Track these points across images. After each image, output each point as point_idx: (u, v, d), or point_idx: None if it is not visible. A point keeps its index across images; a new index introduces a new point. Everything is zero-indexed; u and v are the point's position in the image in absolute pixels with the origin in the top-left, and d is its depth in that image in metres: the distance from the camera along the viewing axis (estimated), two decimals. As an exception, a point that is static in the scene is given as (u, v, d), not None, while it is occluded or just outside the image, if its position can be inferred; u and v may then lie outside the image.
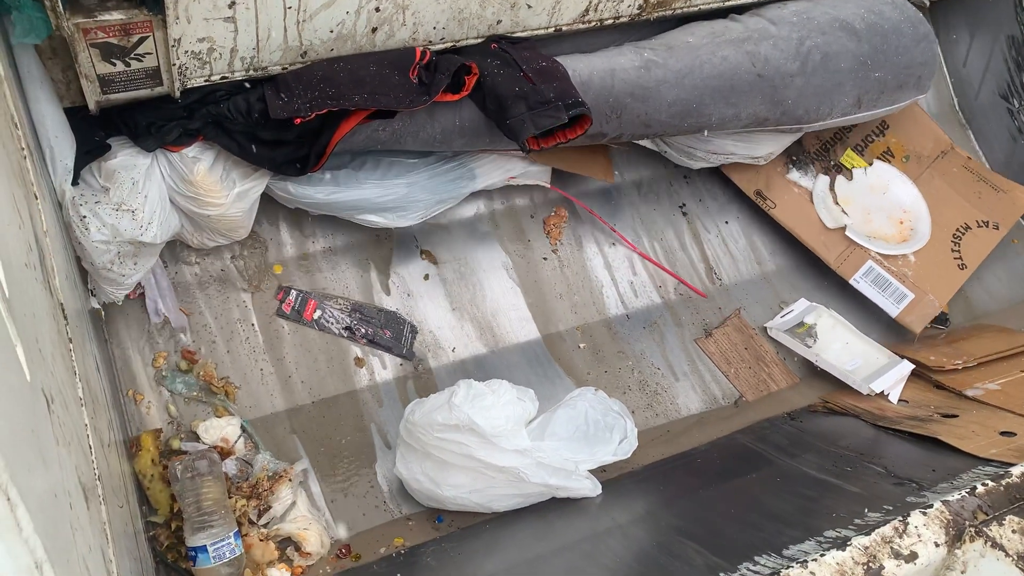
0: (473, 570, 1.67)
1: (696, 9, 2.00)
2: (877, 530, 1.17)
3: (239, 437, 1.83)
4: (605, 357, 2.17)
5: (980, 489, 1.21)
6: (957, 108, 2.64)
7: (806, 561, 1.25)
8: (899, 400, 2.10)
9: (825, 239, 2.35)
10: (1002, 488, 1.22)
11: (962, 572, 1.17)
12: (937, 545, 1.14)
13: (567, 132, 1.81)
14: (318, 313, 2.01)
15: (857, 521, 1.54)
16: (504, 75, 1.74)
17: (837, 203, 2.38)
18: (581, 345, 2.17)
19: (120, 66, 1.51)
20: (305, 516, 1.75)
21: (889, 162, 2.50)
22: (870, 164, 2.48)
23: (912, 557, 1.18)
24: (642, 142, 2.29)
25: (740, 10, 2.09)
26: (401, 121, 1.80)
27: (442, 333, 2.09)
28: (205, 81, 1.64)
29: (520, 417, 1.72)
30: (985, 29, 2.58)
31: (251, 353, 1.93)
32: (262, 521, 1.73)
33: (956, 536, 1.13)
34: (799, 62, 1.99)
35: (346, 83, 1.65)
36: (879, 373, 2.13)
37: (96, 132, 1.67)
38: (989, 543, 1.11)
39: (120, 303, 1.83)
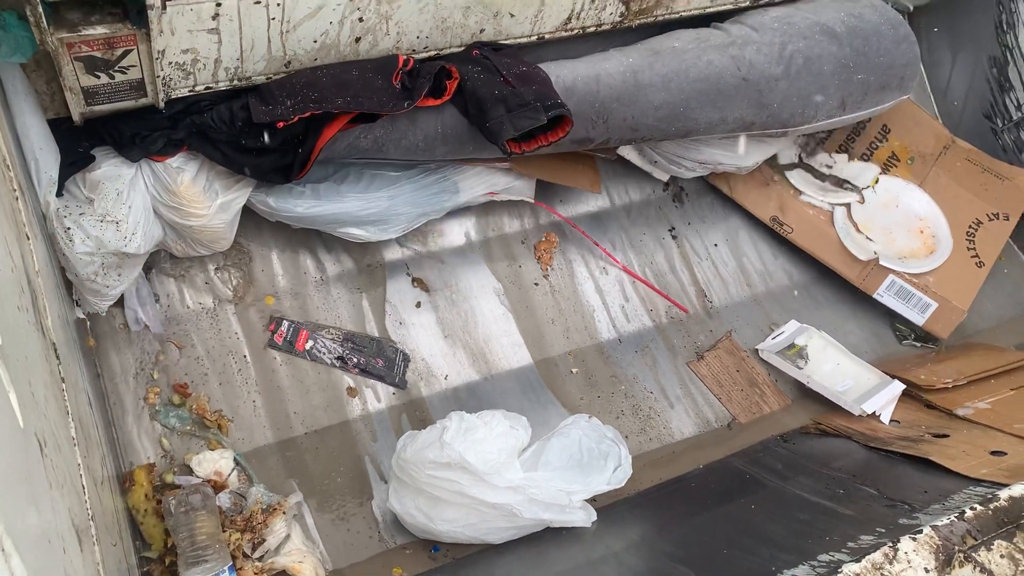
0: (468, 600, 1.67)
1: (677, 16, 2.04)
2: (868, 556, 1.17)
3: (232, 470, 1.82)
4: (598, 382, 2.17)
5: (969, 513, 1.22)
6: (942, 124, 2.66)
7: (799, 587, 1.26)
8: (890, 420, 2.11)
9: (845, 257, 2.38)
10: (990, 512, 1.23)
11: (953, 597, 1.17)
12: (927, 571, 1.15)
13: (548, 135, 1.82)
14: (310, 343, 2.01)
15: (851, 544, 1.54)
16: (484, 79, 1.76)
17: (860, 231, 2.42)
18: (574, 370, 2.18)
19: (104, 78, 1.54)
20: (300, 549, 1.74)
21: (895, 167, 2.53)
22: (879, 172, 2.52)
23: (903, 583, 1.19)
24: (631, 157, 2.32)
25: (721, 18, 2.13)
26: (383, 128, 1.81)
27: (434, 361, 2.10)
28: (189, 92, 1.67)
29: (513, 448, 1.72)
30: (967, 50, 2.62)
31: (243, 385, 1.93)
32: (256, 554, 1.72)
33: (946, 561, 1.14)
34: (783, 66, 2.02)
35: (329, 88, 1.67)
36: (870, 394, 2.14)
37: (80, 143, 1.69)
38: (978, 568, 1.11)
39: (103, 314, 1.84)
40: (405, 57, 1.75)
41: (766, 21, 2.06)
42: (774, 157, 2.45)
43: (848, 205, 2.46)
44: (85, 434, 1.33)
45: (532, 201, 2.23)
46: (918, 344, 2.42)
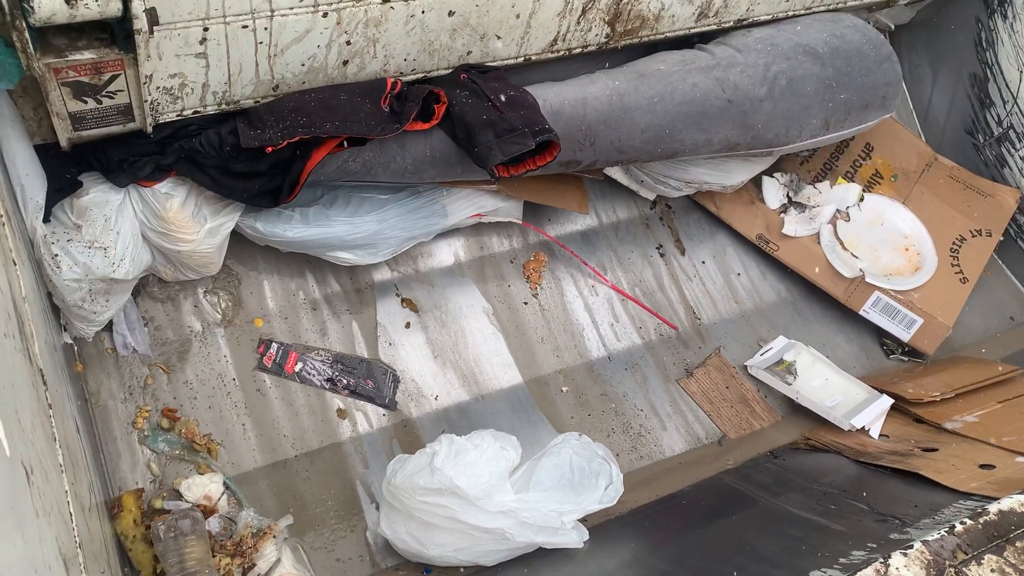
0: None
1: (663, 37, 2.05)
2: (860, 573, 1.17)
3: (222, 494, 1.81)
4: (588, 400, 2.17)
5: (959, 528, 1.22)
6: (924, 142, 2.69)
7: (792, 605, 1.26)
8: (880, 435, 2.12)
9: (832, 275, 2.40)
10: (980, 526, 1.23)
11: (945, 612, 1.17)
12: (918, 587, 1.15)
13: (536, 159, 1.84)
14: (299, 365, 2.01)
15: (842, 560, 1.54)
16: (472, 104, 1.77)
17: (846, 248, 2.44)
18: (564, 389, 2.18)
19: (92, 104, 1.54)
20: (291, 573, 1.73)
21: (879, 184, 2.56)
22: (862, 190, 2.54)
23: (895, 599, 1.19)
24: (618, 177, 2.34)
25: (705, 38, 2.15)
26: (372, 151, 1.82)
27: (424, 381, 2.09)
28: (177, 116, 1.67)
29: (504, 470, 1.72)
30: (948, 68, 2.66)
31: (233, 408, 1.92)
32: (247, 579, 1.71)
33: (937, 577, 1.15)
34: (766, 87, 2.04)
35: (317, 112, 1.68)
36: (859, 408, 2.15)
37: (68, 169, 1.68)
38: (969, 584, 1.12)
39: (90, 339, 1.82)
40: (393, 80, 1.76)
41: (750, 42, 2.09)
42: (760, 188, 2.47)
43: (835, 223, 2.48)
44: (73, 460, 1.32)
45: (520, 222, 2.24)
46: (905, 359, 2.44)
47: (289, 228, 1.90)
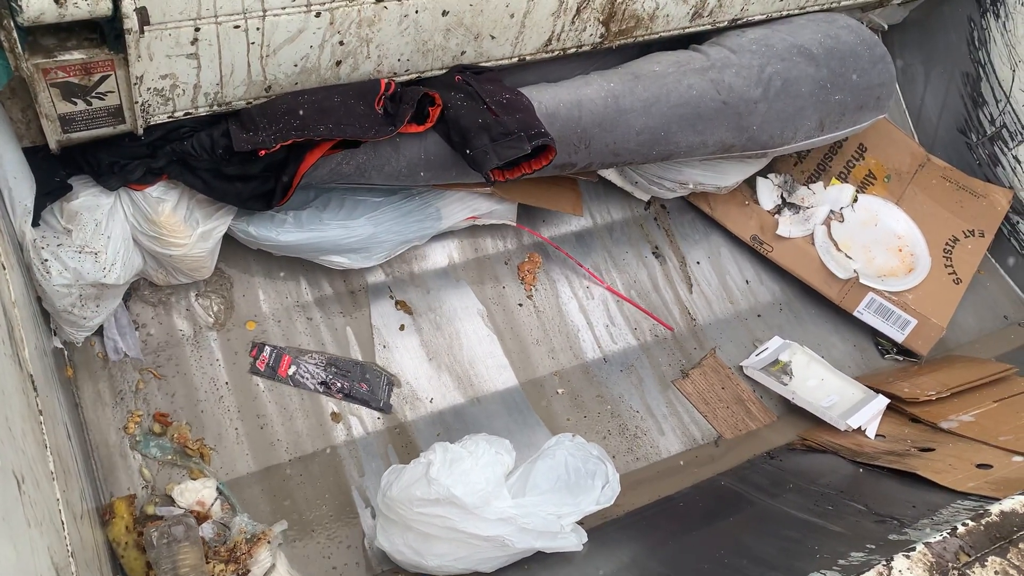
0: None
1: (657, 36, 2.04)
2: (862, 575, 1.17)
3: (215, 499, 1.79)
4: (584, 402, 2.16)
5: (961, 529, 1.22)
6: (917, 143, 2.69)
7: (792, 608, 1.25)
8: (876, 435, 2.12)
9: (825, 276, 2.40)
10: (982, 527, 1.23)
11: (948, 615, 1.17)
12: (922, 589, 1.15)
13: (532, 163, 1.82)
14: (293, 369, 1.99)
15: (841, 562, 1.53)
16: (467, 107, 1.75)
17: (840, 249, 2.43)
18: (559, 391, 2.17)
19: (81, 105, 1.51)
20: (285, 579, 1.72)
21: (872, 185, 2.56)
22: (856, 190, 2.54)
23: (898, 601, 1.19)
24: (612, 178, 2.33)
25: (700, 39, 2.14)
26: (366, 154, 1.80)
27: (419, 384, 2.08)
28: (168, 118, 1.64)
29: (500, 476, 1.70)
30: (940, 66, 2.66)
31: (225, 413, 1.90)
32: (241, 586, 1.69)
33: (940, 579, 1.14)
34: (761, 88, 2.03)
35: (311, 114, 1.66)
36: (855, 409, 2.14)
37: (57, 172, 1.66)
38: (973, 586, 1.11)
39: (79, 344, 1.80)
40: (387, 81, 1.75)
41: (744, 43, 2.08)
42: (754, 188, 2.47)
43: (828, 224, 2.47)
44: (64, 467, 1.30)
45: (515, 224, 2.22)
46: (900, 358, 2.44)
47: (282, 232, 1.88)
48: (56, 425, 1.37)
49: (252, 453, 1.88)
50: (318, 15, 1.58)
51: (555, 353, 2.21)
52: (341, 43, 1.66)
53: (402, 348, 2.10)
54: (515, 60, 1.91)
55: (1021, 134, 2.49)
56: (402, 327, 2.12)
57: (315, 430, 1.94)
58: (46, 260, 1.62)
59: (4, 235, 1.41)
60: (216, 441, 1.87)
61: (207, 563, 1.66)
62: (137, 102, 1.55)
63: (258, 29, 1.55)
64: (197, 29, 1.48)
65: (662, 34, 2.04)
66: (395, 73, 1.80)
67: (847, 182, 2.57)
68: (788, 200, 2.49)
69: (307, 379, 1.99)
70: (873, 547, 1.56)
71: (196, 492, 1.79)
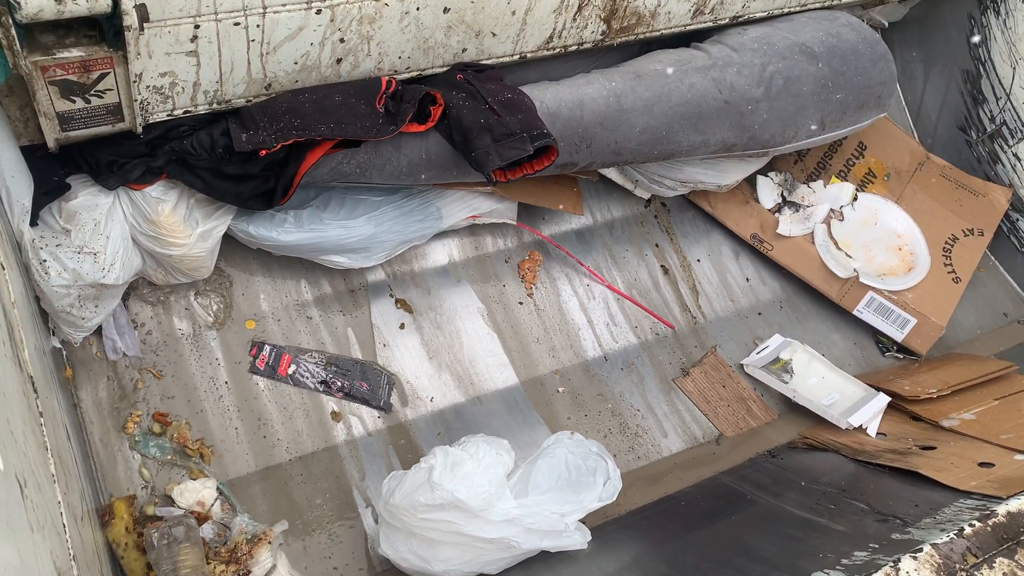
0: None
1: (658, 34, 2.03)
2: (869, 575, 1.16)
3: (215, 500, 1.78)
4: (585, 401, 2.16)
5: (968, 530, 1.21)
6: (917, 140, 2.69)
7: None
8: (877, 433, 2.12)
9: (825, 274, 2.40)
10: (989, 528, 1.22)
11: (955, 615, 1.16)
12: (929, 590, 1.14)
13: (534, 164, 1.81)
14: (293, 368, 1.98)
15: (844, 561, 1.53)
16: (469, 107, 1.74)
17: (840, 248, 2.43)
18: (560, 389, 2.16)
19: (80, 103, 1.50)
20: (286, 579, 1.71)
21: (872, 183, 2.56)
22: (856, 189, 2.54)
23: (904, 601, 1.18)
24: (612, 177, 2.32)
25: (701, 36, 2.13)
26: (367, 153, 1.79)
27: (420, 383, 2.07)
28: (168, 116, 1.63)
29: (502, 477, 1.69)
30: (940, 64, 2.66)
31: (225, 412, 1.89)
32: (242, 586, 1.68)
33: (948, 581, 1.14)
34: (763, 87, 2.03)
35: (312, 113, 1.64)
36: (856, 407, 2.14)
37: (55, 171, 1.64)
38: (981, 587, 1.11)
39: (78, 344, 1.79)
40: (388, 79, 1.73)
41: (746, 41, 2.07)
42: (754, 187, 2.47)
43: (828, 222, 2.47)
44: (64, 469, 1.29)
45: (515, 223, 2.21)
46: (900, 356, 2.44)
47: (282, 232, 1.87)
48: (56, 427, 1.35)
49: (252, 453, 1.87)
50: (319, 12, 1.57)
51: (556, 351, 2.21)
52: (342, 40, 1.65)
53: (402, 347, 2.09)
54: (516, 58, 1.90)
55: (1021, 131, 2.49)
56: (402, 326, 2.11)
57: (315, 429, 1.93)
58: (45, 260, 1.60)
59: (2, 235, 1.40)
60: (216, 441, 1.86)
61: (208, 564, 1.65)
62: (136, 100, 1.54)
63: (258, 26, 1.54)
64: (197, 26, 1.47)
65: (663, 32, 2.03)
66: (396, 71, 1.78)
67: (847, 180, 2.56)
68: (788, 198, 2.48)
69: (307, 378, 1.98)
70: (876, 546, 1.56)
71: (196, 492, 1.77)
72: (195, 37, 1.49)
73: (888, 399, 2.16)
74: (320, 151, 1.71)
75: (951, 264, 2.50)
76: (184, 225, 1.75)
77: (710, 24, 2.09)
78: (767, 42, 2.08)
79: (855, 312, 2.40)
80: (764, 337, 2.38)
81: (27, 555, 0.83)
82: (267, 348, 1.97)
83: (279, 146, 1.64)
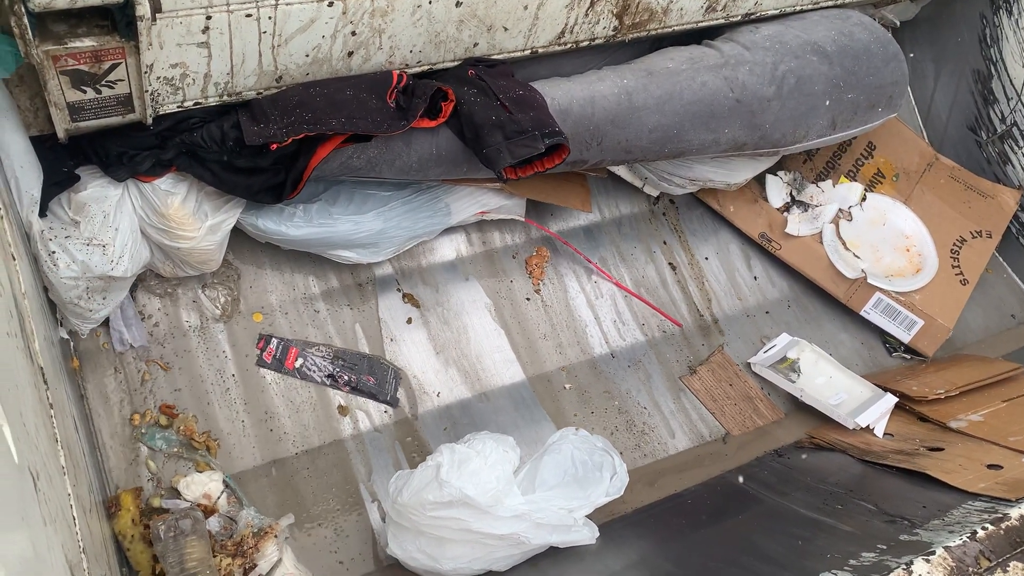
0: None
1: (670, 30, 2.02)
2: (881, 578, 1.16)
3: (222, 492, 1.78)
4: (591, 398, 2.15)
5: (981, 533, 1.21)
6: (927, 140, 2.68)
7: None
8: (884, 434, 2.11)
9: (833, 275, 2.39)
10: (1002, 532, 1.22)
11: (967, 618, 1.16)
12: (942, 593, 1.14)
13: (545, 161, 1.80)
14: (300, 361, 1.97)
15: (852, 562, 1.53)
16: (481, 103, 1.73)
17: (848, 248, 2.42)
18: (567, 386, 2.16)
19: (91, 93, 1.49)
20: (292, 573, 1.70)
21: (881, 183, 2.55)
22: (865, 189, 2.53)
23: (916, 604, 1.18)
24: (621, 174, 2.32)
25: (713, 34, 2.12)
26: (377, 148, 1.78)
27: (426, 377, 2.06)
28: (178, 107, 1.62)
29: (509, 473, 1.69)
30: (951, 64, 2.65)
31: (232, 405, 1.89)
32: (248, 580, 1.68)
33: (961, 584, 1.13)
34: (775, 86, 2.02)
35: (323, 108, 1.64)
36: (864, 407, 2.14)
37: (65, 162, 1.63)
38: (995, 591, 1.11)
39: (85, 335, 1.79)
40: (399, 73, 1.72)
41: (758, 40, 2.06)
42: (763, 186, 2.46)
43: (837, 222, 2.46)
44: (73, 461, 1.29)
45: (523, 219, 2.21)
46: (908, 356, 2.43)
47: (291, 226, 1.87)
48: (65, 418, 1.35)
49: (259, 446, 1.87)
50: (331, 4, 1.56)
51: (563, 348, 2.20)
52: (353, 33, 1.64)
53: (409, 342, 2.08)
54: (528, 53, 1.89)
55: (1032, 132, 2.48)
56: (409, 320, 2.10)
57: (322, 423, 1.93)
58: (53, 252, 1.60)
59: (12, 225, 1.39)
60: (222, 434, 1.85)
61: (214, 557, 1.65)
62: (147, 91, 1.53)
63: (270, 18, 1.53)
64: (209, 17, 1.46)
65: (675, 28, 2.03)
66: (407, 64, 1.77)
67: (856, 180, 2.56)
68: (797, 198, 2.47)
69: (314, 372, 1.97)
70: (884, 547, 1.55)
71: (202, 485, 1.77)
72: (207, 28, 1.48)
73: (895, 399, 2.16)
74: (331, 145, 1.71)
75: (959, 266, 2.49)
76: (193, 218, 1.74)
77: (722, 21, 2.08)
78: (779, 40, 2.06)
79: (862, 313, 2.40)
80: (771, 336, 2.37)
81: (41, 548, 0.82)
82: (274, 341, 1.97)
83: (290, 140, 1.63)
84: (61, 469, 1.15)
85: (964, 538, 1.20)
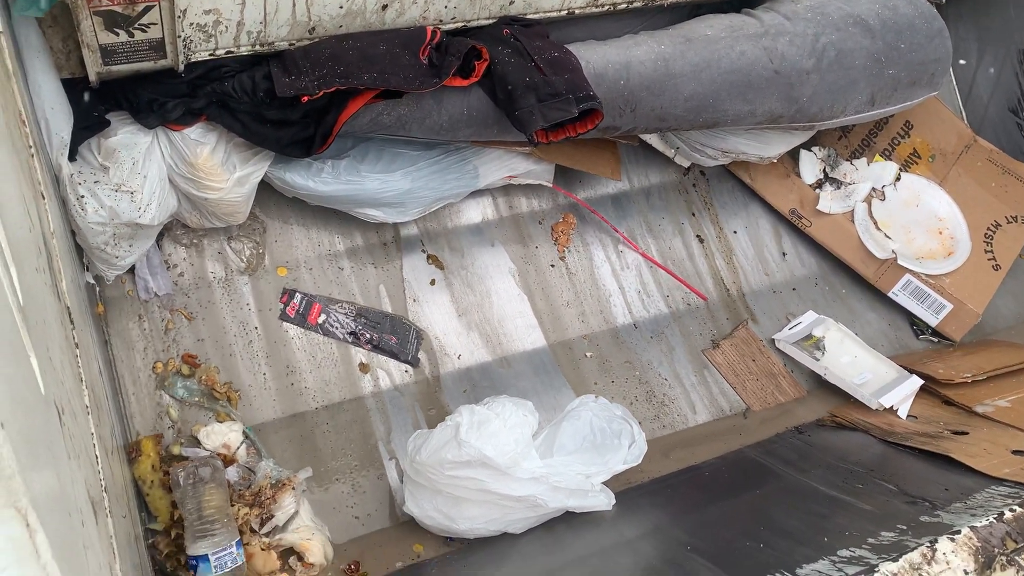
0: (481, 584, 1.64)
1: None
2: (905, 556, 1.15)
3: (241, 443, 1.79)
4: (612, 367, 2.14)
5: (1008, 515, 1.19)
6: (966, 122, 2.62)
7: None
8: (908, 415, 2.09)
9: (863, 255, 2.35)
10: (1030, 515, 1.20)
11: (991, 601, 1.14)
12: (966, 573, 1.12)
13: (577, 126, 1.77)
14: (322, 317, 1.97)
15: (871, 540, 1.51)
16: (515, 64, 1.70)
17: (879, 228, 2.38)
18: (588, 354, 2.14)
19: (123, 36, 1.48)
20: (308, 526, 1.72)
21: (916, 164, 2.50)
22: (899, 169, 2.48)
23: (939, 584, 1.16)
24: (653, 143, 2.28)
25: (753, 2, 2.07)
26: (408, 106, 1.75)
27: (448, 339, 2.06)
28: (210, 55, 1.61)
29: (528, 437, 1.68)
30: (995, 43, 2.57)
31: (254, 357, 1.89)
32: (264, 530, 1.69)
33: (986, 564, 1.11)
34: (814, 59, 1.97)
35: (355, 61, 1.62)
36: (888, 388, 2.11)
37: (95, 106, 1.63)
38: (1021, 572, 1.09)
39: (110, 281, 1.79)
40: (432, 30, 1.70)
41: (799, 10, 2.01)
42: (797, 161, 2.41)
43: (869, 201, 2.42)
44: (97, 402, 1.30)
45: (550, 185, 2.18)
46: (935, 339, 2.40)
47: (319, 182, 1.85)
48: (89, 360, 1.36)
49: (279, 399, 1.87)
50: (367, -45, 1.54)
51: (585, 316, 2.19)
52: None
53: (432, 303, 2.08)
54: (564, 13, 1.86)
55: (1076, 117, 2.42)
56: (433, 282, 2.10)
57: (343, 379, 1.93)
58: (82, 196, 1.60)
59: (42, 166, 1.39)
60: (243, 385, 1.86)
61: (232, 506, 1.66)
62: (179, 36, 1.52)
63: (306, -34, 1.51)
64: (245, -38, 1.45)
65: (715, -8, 1.98)
66: (441, 20, 1.75)
67: (891, 160, 2.51)
68: (830, 175, 2.43)
69: (336, 328, 1.97)
70: (904, 527, 1.54)
71: (222, 435, 1.78)
72: (242, -26, 1.46)
73: (921, 382, 2.13)
74: (361, 100, 1.69)
75: (992, 251, 2.44)
76: (222, 169, 1.73)
77: (763, -12, 2.03)
78: (821, 12, 2.01)
79: (891, 294, 2.36)
80: (797, 313, 2.34)
81: (65, 481, 0.83)
82: (298, 296, 1.97)
83: (321, 93, 1.61)
84: (85, 408, 1.16)
85: (991, 519, 1.18)
